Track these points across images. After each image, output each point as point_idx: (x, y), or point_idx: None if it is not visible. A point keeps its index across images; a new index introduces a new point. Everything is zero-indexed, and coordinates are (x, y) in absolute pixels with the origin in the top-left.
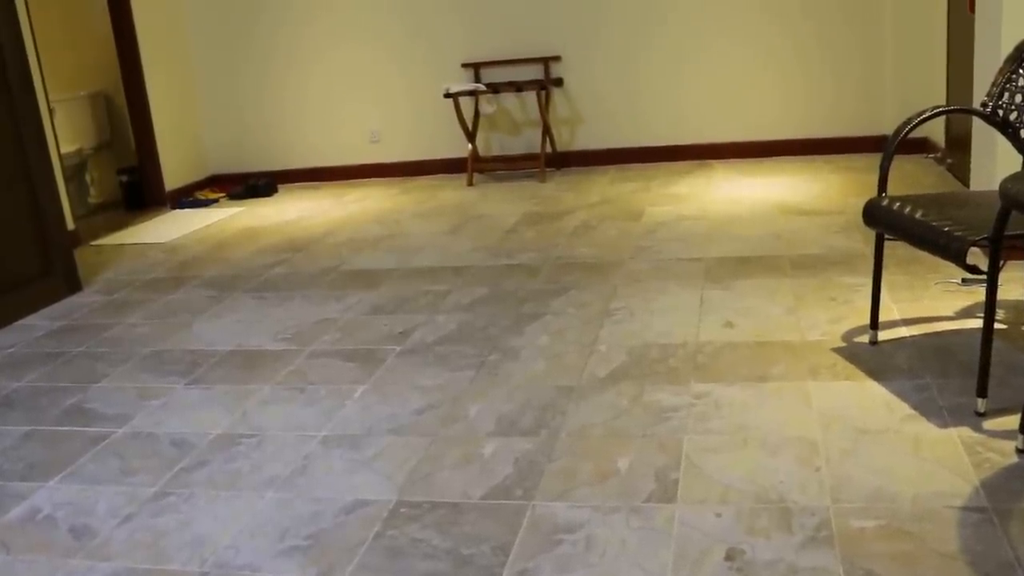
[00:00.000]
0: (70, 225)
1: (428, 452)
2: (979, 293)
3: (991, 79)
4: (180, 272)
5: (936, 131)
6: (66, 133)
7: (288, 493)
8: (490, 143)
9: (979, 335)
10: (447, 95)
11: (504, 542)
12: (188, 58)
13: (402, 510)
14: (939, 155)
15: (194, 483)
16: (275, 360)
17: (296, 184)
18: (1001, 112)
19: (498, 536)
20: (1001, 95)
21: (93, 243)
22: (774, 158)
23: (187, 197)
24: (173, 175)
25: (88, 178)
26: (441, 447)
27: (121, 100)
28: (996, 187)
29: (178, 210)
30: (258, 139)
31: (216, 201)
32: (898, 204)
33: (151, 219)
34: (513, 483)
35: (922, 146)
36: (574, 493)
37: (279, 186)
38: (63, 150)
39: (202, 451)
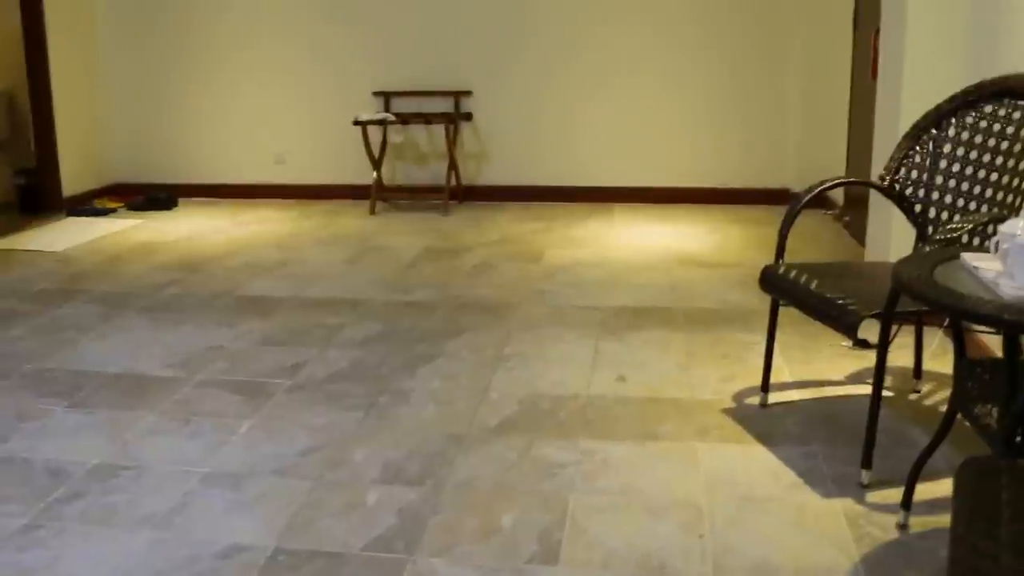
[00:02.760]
0: None
1: (311, 497)
2: (870, 357)
3: (889, 146)
4: (71, 284)
5: (836, 190)
6: None
7: (164, 533)
8: (395, 172)
9: (867, 401)
10: (356, 123)
11: None
12: (97, 63)
13: (280, 558)
14: (838, 212)
15: (67, 516)
16: (162, 387)
17: (197, 199)
18: (898, 186)
19: None
20: (898, 170)
21: None
22: (675, 205)
23: (84, 205)
24: (72, 181)
25: None
26: (324, 492)
27: (24, 99)
28: (890, 256)
29: (74, 218)
30: (162, 150)
31: (114, 211)
32: (794, 273)
33: (45, 225)
34: (395, 535)
35: (822, 203)
36: (456, 550)
37: (180, 200)
38: None
39: (78, 481)
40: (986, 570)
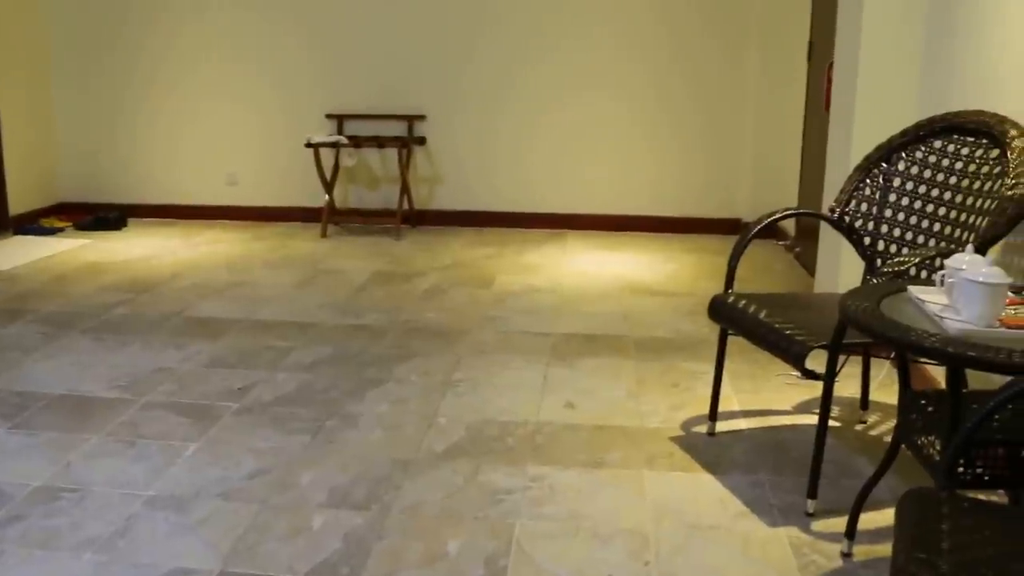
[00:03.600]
0: None
1: (256, 520)
2: (817, 387)
3: (840, 179)
4: (16, 304)
5: (788, 220)
6: None
7: (107, 556)
8: (347, 195)
9: (814, 431)
10: (308, 145)
11: None
12: (48, 81)
13: None
14: (789, 243)
15: (6, 539)
16: (107, 409)
17: (147, 220)
18: (847, 219)
19: None
20: (848, 202)
21: None
22: (629, 233)
23: (31, 223)
24: (19, 198)
25: None
26: (270, 516)
27: None
28: (839, 287)
29: (20, 236)
30: (112, 170)
31: (62, 230)
32: (743, 303)
33: None
34: (340, 560)
35: (774, 233)
36: (401, 575)
37: (129, 220)
38: None
39: (19, 504)
40: None
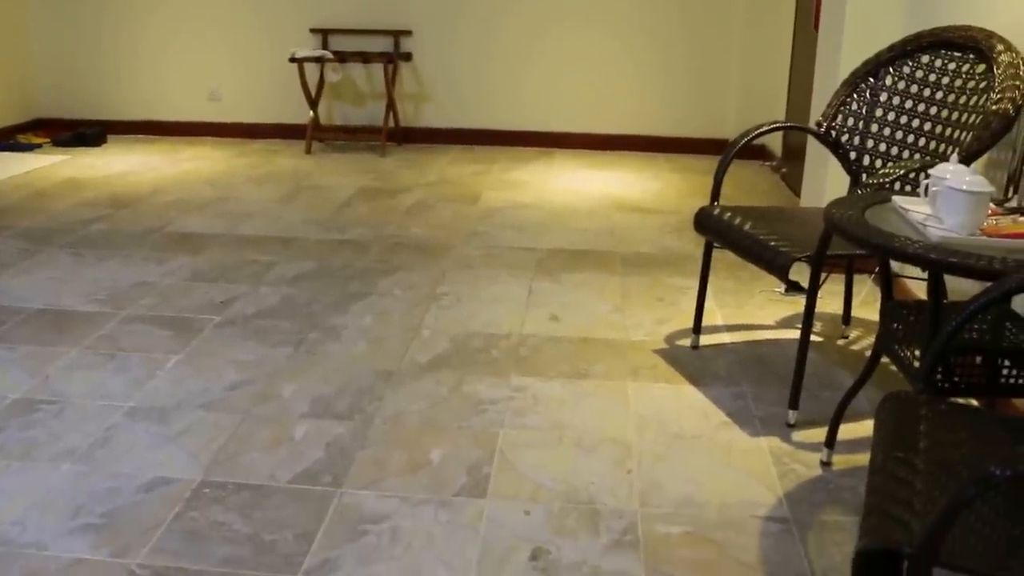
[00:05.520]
0: None
1: (238, 431)
2: (800, 303)
3: (828, 98)
4: None
5: (774, 140)
6: None
7: (86, 466)
8: (332, 112)
9: (796, 345)
10: (292, 60)
11: (308, 530)
12: None
13: (205, 490)
14: (775, 164)
15: None
16: (86, 323)
17: (128, 136)
18: (834, 133)
19: (302, 523)
20: (835, 116)
21: None
22: (616, 152)
23: (7, 139)
24: None
25: None
26: (251, 426)
27: None
28: (824, 203)
29: None
30: (90, 85)
31: (39, 147)
32: (728, 215)
33: None
34: (322, 468)
35: (760, 153)
36: (384, 483)
37: (109, 137)
38: None
39: None
40: (903, 496)
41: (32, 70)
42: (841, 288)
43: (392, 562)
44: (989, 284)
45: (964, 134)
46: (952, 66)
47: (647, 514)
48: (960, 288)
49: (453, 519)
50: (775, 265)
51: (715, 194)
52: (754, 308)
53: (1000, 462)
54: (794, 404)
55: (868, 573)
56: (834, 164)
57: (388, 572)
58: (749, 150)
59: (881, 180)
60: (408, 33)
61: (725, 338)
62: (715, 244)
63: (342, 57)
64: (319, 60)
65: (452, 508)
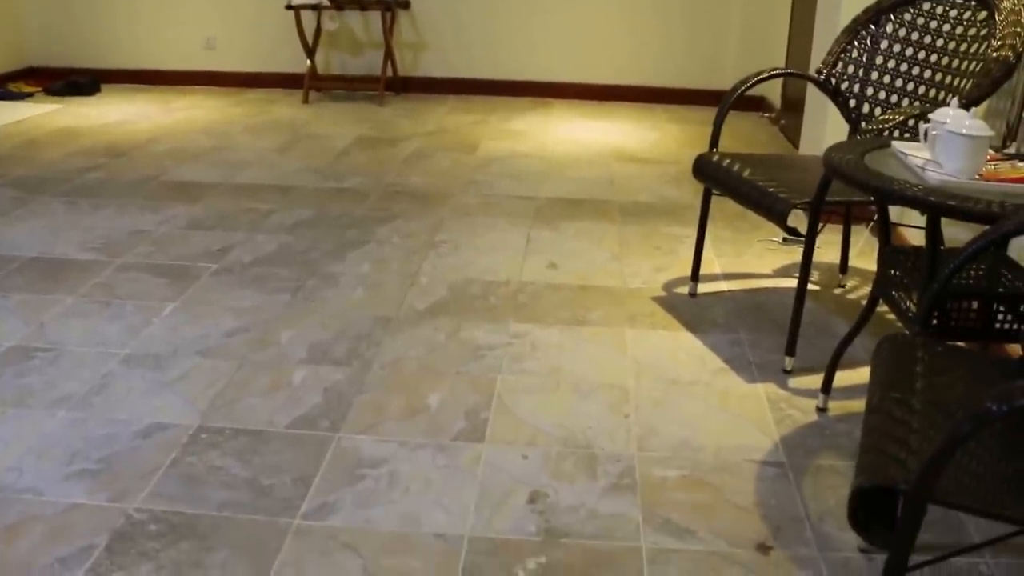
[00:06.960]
0: None
1: (235, 377)
2: (797, 253)
3: (829, 46)
4: None
5: (773, 92)
6: None
7: (82, 413)
8: (330, 61)
9: (793, 294)
10: (289, 7)
11: (306, 474)
12: None
13: (203, 436)
14: (774, 115)
15: None
16: (81, 271)
17: (122, 85)
18: (834, 80)
19: (300, 467)
20: (835, 64)
21: None
22: (615, 102)
23: None
24: None
25: None
26: (249, 372)
27: None
28: (822, 152)
29: None
30: (84, 32)
31: (31, 95)
32: (727, 161)
33: None
34: (320, 413)
35: (759, 105)
36: (381, 427)
37: (103, 85)
38: None
39: None
40: (899, 435)
41: (23, 17)
42: (839, 238)
43: (390, 506)
44: (986, 228)
45: (965, 81)
46: (953, 13)
47: (644, 458)
48: (957, 238)
49: (451, 463)
50: (774, 211)
51: (714, 141)
52: (752, 257)
53: (997, 398)
54: (791, 351)
55: (865, 511)
56: (833, 113)
57: (386, 515)
58: (748, 101)
59: (880, 127)
60: None
61: (723, 286)
62: (714, 192)
63: (339, 5)
64: (316, 7)
65: (450, 452)
